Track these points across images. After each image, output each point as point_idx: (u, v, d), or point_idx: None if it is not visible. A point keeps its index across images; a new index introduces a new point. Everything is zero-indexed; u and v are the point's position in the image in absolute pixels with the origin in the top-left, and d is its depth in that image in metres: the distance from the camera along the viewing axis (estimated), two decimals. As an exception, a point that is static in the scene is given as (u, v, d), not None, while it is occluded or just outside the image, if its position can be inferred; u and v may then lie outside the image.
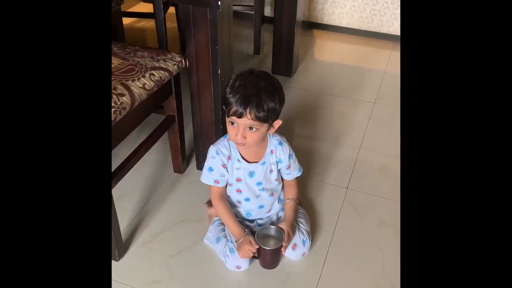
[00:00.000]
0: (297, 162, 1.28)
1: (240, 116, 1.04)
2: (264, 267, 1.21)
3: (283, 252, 1.20)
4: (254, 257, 1.19)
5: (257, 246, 1.15)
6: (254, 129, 1.07)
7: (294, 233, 1.22)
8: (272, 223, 1.28)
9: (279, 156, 1.22)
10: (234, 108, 1.04)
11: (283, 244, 1.16)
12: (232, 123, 1.08)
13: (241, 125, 1.07)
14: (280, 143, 1.22)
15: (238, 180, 1.22)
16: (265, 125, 1.09)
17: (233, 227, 1.20)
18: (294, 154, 1.26)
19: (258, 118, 1.05)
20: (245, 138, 1.08)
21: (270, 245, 1.18)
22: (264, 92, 1.05)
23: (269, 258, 1.19)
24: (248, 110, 1.03)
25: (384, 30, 2.59)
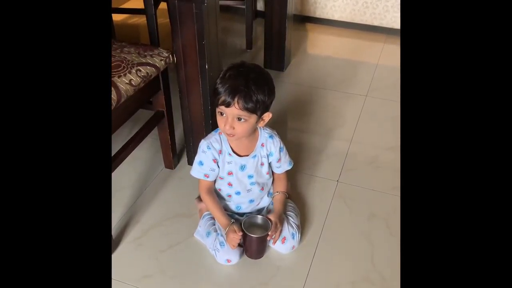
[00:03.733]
0: (287, 156, 1.28)
1: (228, 105, 1.05)
2: (250, 257, 1.22)
3: (273, 244, 1.20)
4: (240, 245, 1.20)
5: (240, 233, 1.15)
6: (242, 120, 1.08)
7: (282, 224, 1.22)
8: (260, 214, 1.28)
9: (270, 149, 1.23)
10: (222, 98, 1.05)
11: (269, 233, 1.16)
12: (221, 113, 1.09)
13: (230, 115, 1.07)
14: (271, 136, 1.22)
15: (230, 173, 1.22)
16: (254, 117, 1.09)
17: (220, 218, 1.22)
18: (284, 147, 1.26)
19: (246, 109, 1.05)
20: (234, 128, 1.09)
21: (256, 234, 1.18)
22: (254, 83, 1.05)
23: (254, 246, 1.19)
24: (236, 99, 1.04)
25: (376, 23, 2.58)
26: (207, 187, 1.24)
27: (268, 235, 1.17)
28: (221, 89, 1.06)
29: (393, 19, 2.54)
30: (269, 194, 1.32)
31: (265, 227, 1.20)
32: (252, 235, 1.16)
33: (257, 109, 1.07)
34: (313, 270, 1.22)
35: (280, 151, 1.24)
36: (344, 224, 1.37)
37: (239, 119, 1.07)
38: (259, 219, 1.22)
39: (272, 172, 1.30)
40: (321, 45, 2.53)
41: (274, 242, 1.20)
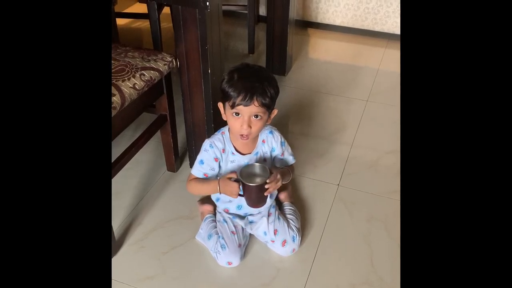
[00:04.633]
0: (290, 150, 1.30)
1: (247, 104, 1.07)
2: (250, 206, 1.19)
3: (266, 193, 1.13)
4: (240, 195, 1.15)
5: (234, 176, 1.13)
6: (258, 117, 1.10)
7: (282, 177, 1.18)
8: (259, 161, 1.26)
9: (271, 145, 1.25)
10: (239, 98, 1.06)
11: (267, 181, 1.12)
12: (237, 114, 1.10)
13: (246, 114, 1.09)
14: (271, 132, 1.25)
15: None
16: (267, 113, 1.12)
17: (209, 187, 1.20)
18: (286, 141, 1.28)
19: (264, 105, 1.08)
20: (250, 128, 1.10)
21: (255, 183, 1.13)
22: (265, 80, 1.09)
23: (254, 195, 1.14)
24: (254, 97, 1.06)
25: (377, 28, 2.60)
26: (195, 177, 1.25)
27: (266, 183, 1.11)
28: (234, 92, 1.07)
29: (394, 25, 2.55)
30: (271, 196, 1.32)
31: (263, 175, 1.15)
32: (250, 184, 1.11)
33: (271, 105, 1.11)
34: (313, 272, 1.24)
35: (281, 145, 1.26)
36: (344, 228, 1.38)
37: (256, 116, 1.09)
38: (257, 167, 1.16)
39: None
40: (322, 50, 2.55)
41: (268, 192, 1.13)
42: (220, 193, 1.17)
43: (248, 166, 1.17)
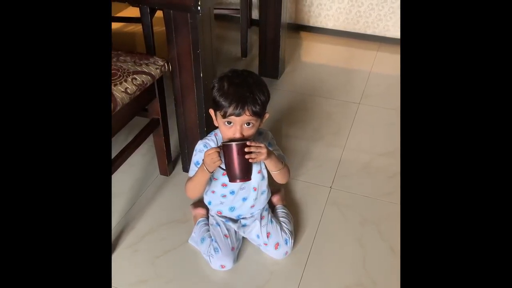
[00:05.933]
0: (280, 151, 1.27)
1: (239, 114, 1.06)
2: (234, 179, 1.09)
3: (250, 159, 1.07)
4: (222, 168, 1.11)
5: (218, 150, 1.07)
6: (250, 125, 1.10)
7: (266, 149, 1.11)
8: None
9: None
10: (231, 108, 1.06)
11: (248, 143, 1.06)
12: (229, 122, 1.10)
13: (238, 123, 1.09)
14: (260, 133, 1.25)
15: (224, 174, 1.24)
16: (259, 120, 1.12)
17: (198, 172, 1.17)
18: (275, 143, 1.28)
19: (255, 113, 1.08)
20: (243, 135, 1.10)
21: None
22: (255, 87, 1.09)
23: (235, 160, 1.06)
24: (246, 107, 1.06)
25: (369, 31, 2.62)
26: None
27: (247, 144, 1.06)
28: (225, 102, 1.07)
29: (386, 28, 2.57)
30: (263, 193, 1.31)
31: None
32: (229, 143, 1.05)
33: (263, 111, 1.11)
34: (306, 275, 1.24)
35: (270, 146, 1.23)
36: (337, 230, 1.39)
37: (248, 124, 1.09)
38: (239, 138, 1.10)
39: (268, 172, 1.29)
40: (315, 53, 2.56)
41: (253, 159, 1.08)
42: (208, 170, 1.11)
43: (230, 139, 1.10)
